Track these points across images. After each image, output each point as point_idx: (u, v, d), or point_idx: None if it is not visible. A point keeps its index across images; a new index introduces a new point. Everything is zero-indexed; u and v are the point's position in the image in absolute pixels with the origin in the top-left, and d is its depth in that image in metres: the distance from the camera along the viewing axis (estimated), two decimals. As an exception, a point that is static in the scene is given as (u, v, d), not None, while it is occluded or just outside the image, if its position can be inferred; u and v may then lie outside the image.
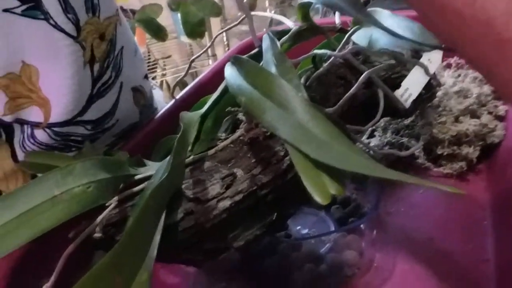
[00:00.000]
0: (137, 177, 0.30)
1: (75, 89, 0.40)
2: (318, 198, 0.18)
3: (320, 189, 0.18)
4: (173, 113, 0.49)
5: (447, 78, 0.57)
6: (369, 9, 0.31)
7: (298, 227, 0.41)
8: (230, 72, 0.27)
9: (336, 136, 0.20)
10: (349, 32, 0.34)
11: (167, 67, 1.76)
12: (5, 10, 0.35)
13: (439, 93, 0.53)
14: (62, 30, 0.37)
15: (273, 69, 0.26)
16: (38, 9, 0.36)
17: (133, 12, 0.70)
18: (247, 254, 0.36)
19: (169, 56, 1.77)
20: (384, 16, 0.32)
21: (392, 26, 0.28)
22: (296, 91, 0.23)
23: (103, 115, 0.44)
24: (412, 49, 0.33)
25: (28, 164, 0.32)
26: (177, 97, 0.51)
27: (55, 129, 0.41)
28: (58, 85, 0.39)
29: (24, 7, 0.35)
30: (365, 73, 0.31)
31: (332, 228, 0.40)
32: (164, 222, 0.23)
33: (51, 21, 0.37)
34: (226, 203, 0.26)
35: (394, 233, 0.41)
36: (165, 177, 0.24)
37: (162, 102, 0.60)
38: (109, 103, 0.44)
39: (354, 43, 0.38)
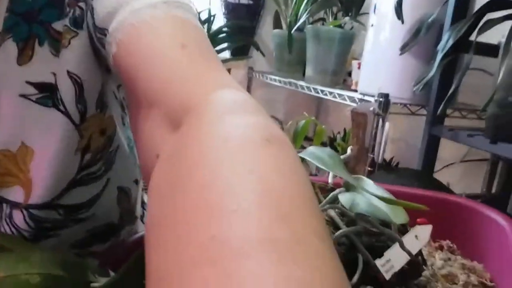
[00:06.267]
0: (92, 285, 0.29)
1: (60, 173, 0.40)
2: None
3: None
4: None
5: (437, 260, 0.56)
6: (355, 176, 0.34)
7: None
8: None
9: None
10: (335, 192, 0.35)
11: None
12: (22, 95, 0.39)
13: (427, 273, 0.52)
14: (68, 116, 0.40)
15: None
16: (51, 98, 0.39)
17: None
18: None
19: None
20: (369, 184, 0.34)
21: (371, 194, 0.30)
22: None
23: (78, 204, 0.44)
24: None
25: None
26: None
27: (32, 211, 0.40)
28: (46, 167, 0.40)
29: (40, 95, 0.39)
30: (343, 230, 0.32)
31: None
32: None
33: (61, 107, 0.40)
34: None
35: None
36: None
37: None
38: (89, 194, 0.44)
39: (341, 205, 0.40)
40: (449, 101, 0.76)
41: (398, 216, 0.31)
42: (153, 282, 0.18)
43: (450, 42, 0.74)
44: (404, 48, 0.84)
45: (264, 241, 0.16)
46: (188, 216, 0.18)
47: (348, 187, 0.38)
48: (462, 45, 0.75)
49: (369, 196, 0.32)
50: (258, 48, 1.75)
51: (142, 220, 0.58)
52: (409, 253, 0.36)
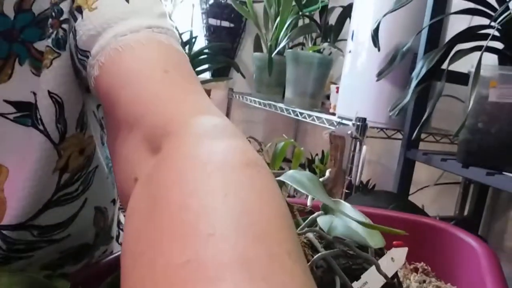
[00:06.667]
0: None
1: (36, 193, 0.39)
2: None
3: None
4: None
5: (413, 282, 0.57)
6: (334, 200, 0.34)
7: None
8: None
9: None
10: (314, 215, 0.36)
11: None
12: None
13: (402, 295, 0.53)
14: (47, 135, 0.39)
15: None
16: (30, 117, 0.39)
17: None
18: None
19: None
20: (347, 208, 0.35)
21: (349, 217, 0.31)
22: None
23: (55, 224, 0.42)
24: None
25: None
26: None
27: (5, 232, 0.39)
28: (21, 187, 0.39)
29: (18, 114, 0.39)
30: (321, 253, 0.32)
31: None
32: None
33: (41, 127, 0.39)
34: None
35: None
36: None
37: None
38: (65, 214, 0.43)
39: (320, 228, 0.40)
40: (423, 126, 0.79)
41: (375, 240, 0.31)
42: None
43: (424, 70, 0.77)
44: (380, 75, 0.87)
45: (239, 263, 0.16)
46: (165, 239, 0.18)
47: (327, 210, 0.39)
48: (435, 73, 0.79)
49: (347, 220, 0.33)
50: (238, 70, 1.77)
51: (117, 241, 0.57)
52: (385, 276, 0.36)
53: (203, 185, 0.20)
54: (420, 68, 0.78)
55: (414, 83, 0.78)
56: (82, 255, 0.48)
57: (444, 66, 0.77)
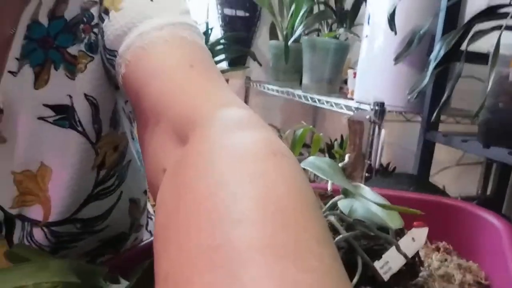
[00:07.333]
0: (111, 293, 0.31)
1: (77, 190, 0.42)
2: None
3: None
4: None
5: (434, 260, 0.58)
6: (353, 184, 0.36)
7: None
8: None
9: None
10: (335, 199, 0.38)
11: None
12: (40, 118, 0.41)
13: (424, 274, 0.54)
14: (86, 135, 0.42)
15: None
16: (68, 120, 0.41)
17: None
18: None
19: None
20: (366, 191, 0.36)
21: (369, 200, 0.32)
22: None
23: (94, 217, 0.45)
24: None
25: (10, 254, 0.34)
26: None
27: (53, 228, 0.42)
28: (64, 187, 0.41)
29: (57, 117, 0.41)
30: (342, 235, 0.34)
31: None
32: None
33: (79, 128, 0.41)
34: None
35: None
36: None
37: None
38: (104, 207, 0.46)
39: (341, 211, 0.42)
40: (442, 108, 0.79)
41: (393, 221, 0.33)
42: None
43: (442, 52, 0.77)
44: (398, 58, 0.87)
45: (269, 247, 0.16)
46: (194, 225, 0.19)
47: (347, 194, 0.41)
48: (453, 55, 0.78)
49: (367, 202, 0.35)
50: (255, 58, 1.78)
51: (146, 229, 0.61)
52: (404, 255, 0.38)
53: (230, 175, 0.20)
54: (438, 50, 0.78)
55: (432, 65, 0.78)
56: (119, 244, 0.51)
57: (463, 47, 0.76)
